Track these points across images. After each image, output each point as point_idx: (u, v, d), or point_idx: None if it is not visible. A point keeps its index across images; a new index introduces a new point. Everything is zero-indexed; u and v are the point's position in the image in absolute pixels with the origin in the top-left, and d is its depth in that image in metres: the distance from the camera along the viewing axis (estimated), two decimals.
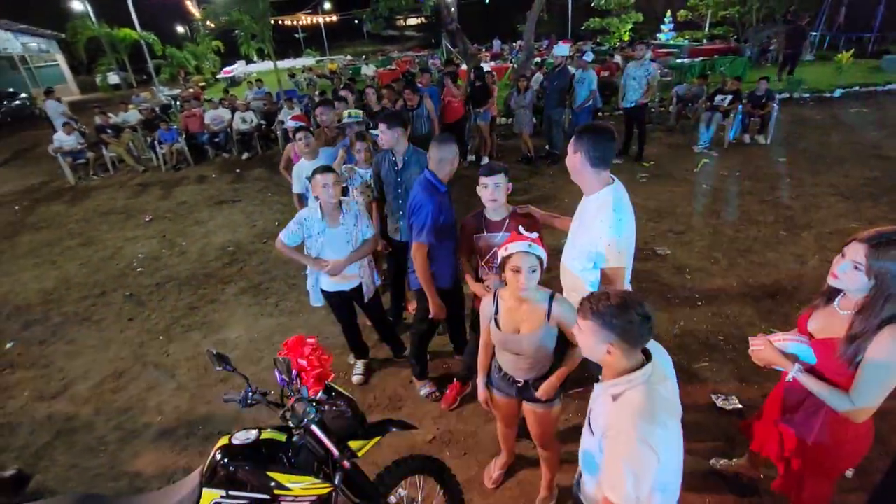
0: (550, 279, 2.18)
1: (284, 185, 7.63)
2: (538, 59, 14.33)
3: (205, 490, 1.72)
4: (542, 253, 1.85)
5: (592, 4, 20.77)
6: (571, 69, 7.51)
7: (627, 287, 2.15)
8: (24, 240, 6.79)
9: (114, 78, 25.28)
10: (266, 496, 1.75)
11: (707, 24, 20.36)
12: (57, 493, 2.72)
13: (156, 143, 9.74)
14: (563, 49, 8.02)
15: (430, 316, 2.84)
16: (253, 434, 1.84)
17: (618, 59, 12.22)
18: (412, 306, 3.89)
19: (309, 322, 4.17)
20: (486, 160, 7.81)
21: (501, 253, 1.89)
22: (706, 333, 3.58)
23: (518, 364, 2.06)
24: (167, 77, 25.27)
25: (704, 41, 18.60)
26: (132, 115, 11.45)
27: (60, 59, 29.64)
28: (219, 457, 1.75)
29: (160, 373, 3.75)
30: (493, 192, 2.35)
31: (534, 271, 1.83)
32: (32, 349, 4.20)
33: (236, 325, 4.24)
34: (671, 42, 19.02)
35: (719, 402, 2.93)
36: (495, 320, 2.03)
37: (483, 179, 2.36)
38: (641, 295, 1.58)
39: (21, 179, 10.09)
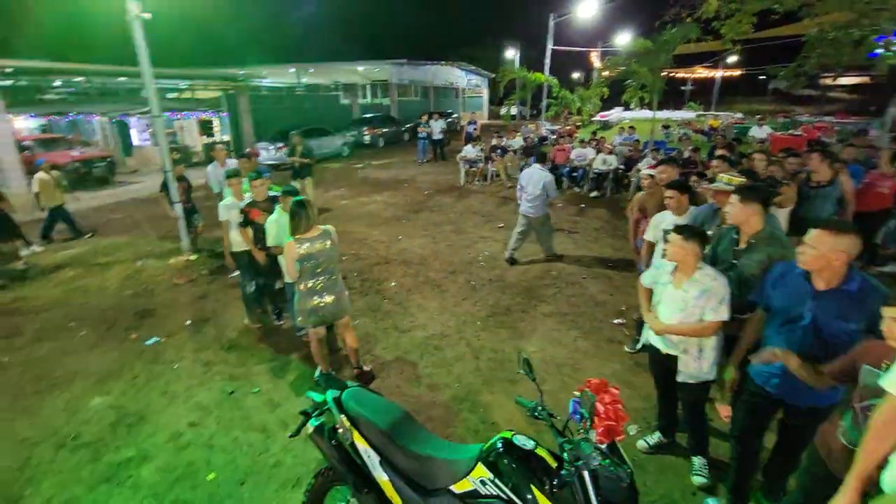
0: None
1: (621, 231, 7.73)
2: None
3: (479, 464, 1.96)
4: None
5: None
6: None
7: None
8: (422, 216, 9.35)
9: (514, 110, 31.27)
10: None
11: None
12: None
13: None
14: None
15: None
16: (531, 444, 1.97)
17: None
18: (725, 412, 3.28)
19: (600, 370, 4.09)
20: None
21: None
22: None
23: None
24: (552, 114, 29.51)
25: None
26: (517, 142, 13.97)
27: (484, 93, 39.57)
28: (499, 446, 1.96)
29: (468, 350, 4.47)
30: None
31: None
32: (402, 293, 5.76)
33: (536, 341, 4.59)
34: None
35: None
36: None
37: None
38: None
39: (435, 175, 13.87)
